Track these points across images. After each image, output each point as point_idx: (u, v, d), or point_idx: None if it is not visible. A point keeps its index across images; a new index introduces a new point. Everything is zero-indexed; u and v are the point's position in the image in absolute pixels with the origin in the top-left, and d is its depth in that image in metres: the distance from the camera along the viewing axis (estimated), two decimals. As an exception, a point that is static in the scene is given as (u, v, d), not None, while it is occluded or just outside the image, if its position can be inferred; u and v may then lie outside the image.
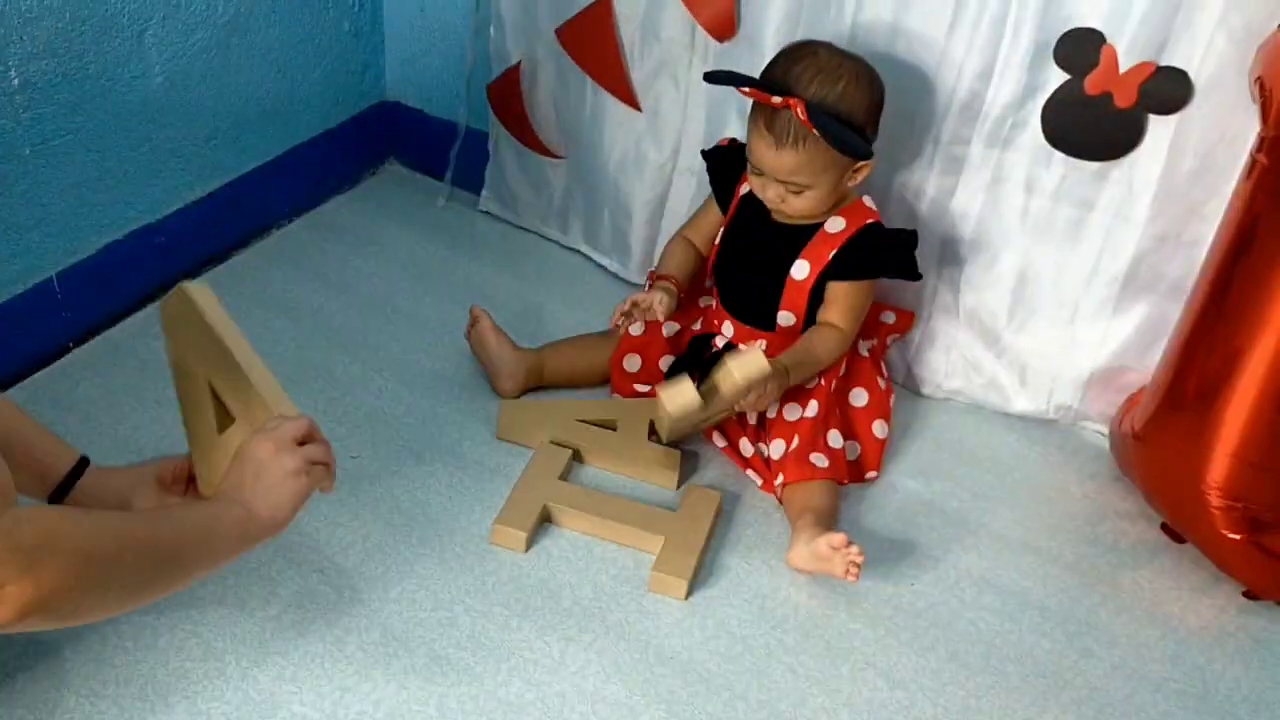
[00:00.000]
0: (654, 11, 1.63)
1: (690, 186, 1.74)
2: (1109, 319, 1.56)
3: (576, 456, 1.50)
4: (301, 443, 1.05)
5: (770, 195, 1.43)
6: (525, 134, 1.86)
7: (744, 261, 1.53)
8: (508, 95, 1.83)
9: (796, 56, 1.38)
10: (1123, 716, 1.26)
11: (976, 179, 1.54)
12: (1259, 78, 1.28)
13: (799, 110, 1.31)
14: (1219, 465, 1.34)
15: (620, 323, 1.52)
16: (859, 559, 1.28)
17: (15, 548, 0.80)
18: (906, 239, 1.49)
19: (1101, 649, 1.33)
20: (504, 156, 1.92)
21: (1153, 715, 1.27)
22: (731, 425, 1.53)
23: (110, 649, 1.19)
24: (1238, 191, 1.31)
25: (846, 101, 1.36)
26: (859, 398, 1.54)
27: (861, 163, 1.41)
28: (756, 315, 1.53)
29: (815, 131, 1.32)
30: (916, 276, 1.50)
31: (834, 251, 1.46)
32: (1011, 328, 1.62)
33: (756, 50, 1.56)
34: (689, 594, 1.33)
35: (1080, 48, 1.40)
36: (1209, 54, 1.35)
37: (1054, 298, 1.58)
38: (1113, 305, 1.54)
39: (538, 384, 1.60)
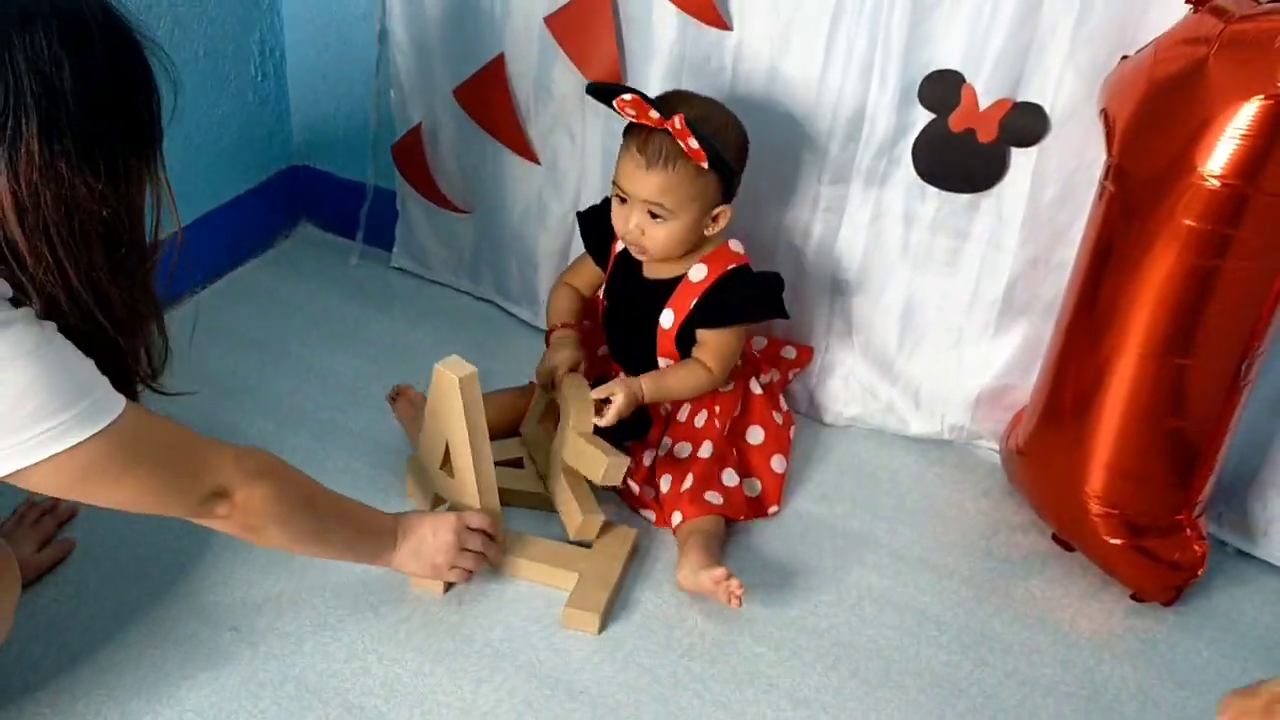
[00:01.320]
0: (545, 69, 1.69)
1: (592, 234, 1.80)
2: (991, 341, 1.63)
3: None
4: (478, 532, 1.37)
5: (631, 226, 1.44)
6: (431, 191, 1.91)
7: (622, 315, 1.59)
8: (412, 155, 1.89)
9: (679, 94, 1.45)
10: (1015, 721, 1.32)
11: (858, 216, 1.61)
12: (1104, 109, 1.37)
13: (678, 121, 1.33)
14: (1096, 475, 1.41)
15: (542, 393, 1.59)
16: (739, 591, 1.33)
17: (242, 467, 1.16)
18: (768, 281, 1.53)
19: (995, 658, 1.40)
20: (413, 214, 1.98)
21: (1044, 718, 1.32)
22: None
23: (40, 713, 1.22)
24: (1092, 216, 1.39)
25: (720, 136, 1.40)
26: (755, 435, 1.59)
27: (720, 208, 1.44)
28: (640, 363, 1.56)
29: (692, 141, 1.34)
30: (785, 315, 1.54)
31: (695, 300, 1.49)
32: (903, 354, 1.70)
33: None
34: (602, 628, 1.38)
35: (942, 88, 1.48)
36: (1060, 89, 1.44)
37: (939, 324, 1.65)
38: (993, 328, 1.62)
39: None
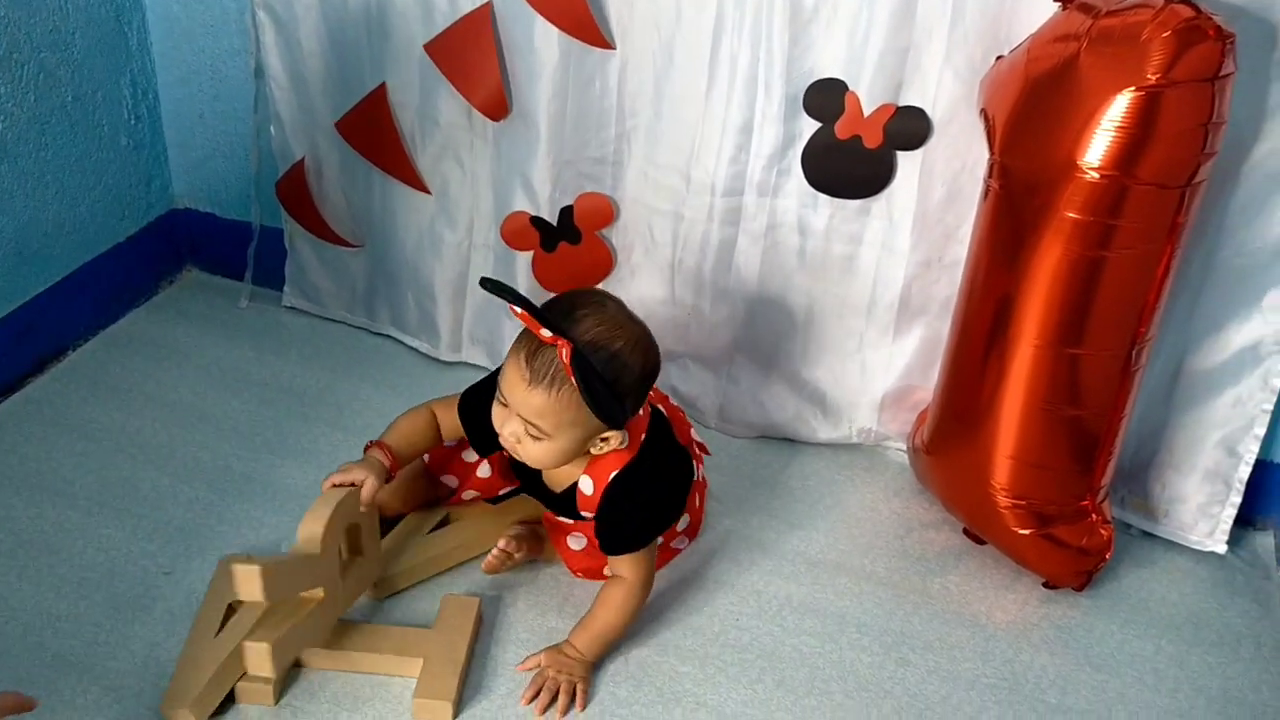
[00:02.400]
0: (429, 97, 1.67)
1: (488, 262, 1.78)
2: (891, 343, 1.65)
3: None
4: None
5: (506, 433, 1.27)
6: (319, 227, 1.87)
7: (528, 484, 1.45)
8: (296, 191, 1.85)
9: (584, 301, 1.26)
10: (940, 717, 1.33)
11: (754, 226, 1.62)
12: (983, 109, 1.40)
13: (564, 352, 1.19)
14: (1001, 468, 1.44)
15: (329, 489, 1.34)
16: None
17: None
18: (662, 489, 1.36)
19: (917, 655, 1.40)
20: (301, 251, 1.93)
21: (968, 712, 1.34)
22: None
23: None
24: (979, 214, 1.42)
25: (617, 365, 1.22)
26: None
27: (610, 433, 1.28)
28: (559, 511, 1.43)
29: (574, 379, 1.20)
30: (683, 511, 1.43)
31: (594, 515, 1.34)
32: (806, 363, 1.71)
33: (532, 126, 1.62)
34: (457, 713, 1.28)
35: (826, 97, 1.50)
36: (940, 92, 1.46)
37: (840, 329, 1.67)
38: (892, 331, 1.64)
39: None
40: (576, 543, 1.43)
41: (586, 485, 1.33)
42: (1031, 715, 1.34)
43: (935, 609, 1.47)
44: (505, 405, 1.27)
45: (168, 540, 1.49)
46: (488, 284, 1.25)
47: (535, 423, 1.24)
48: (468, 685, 1.31)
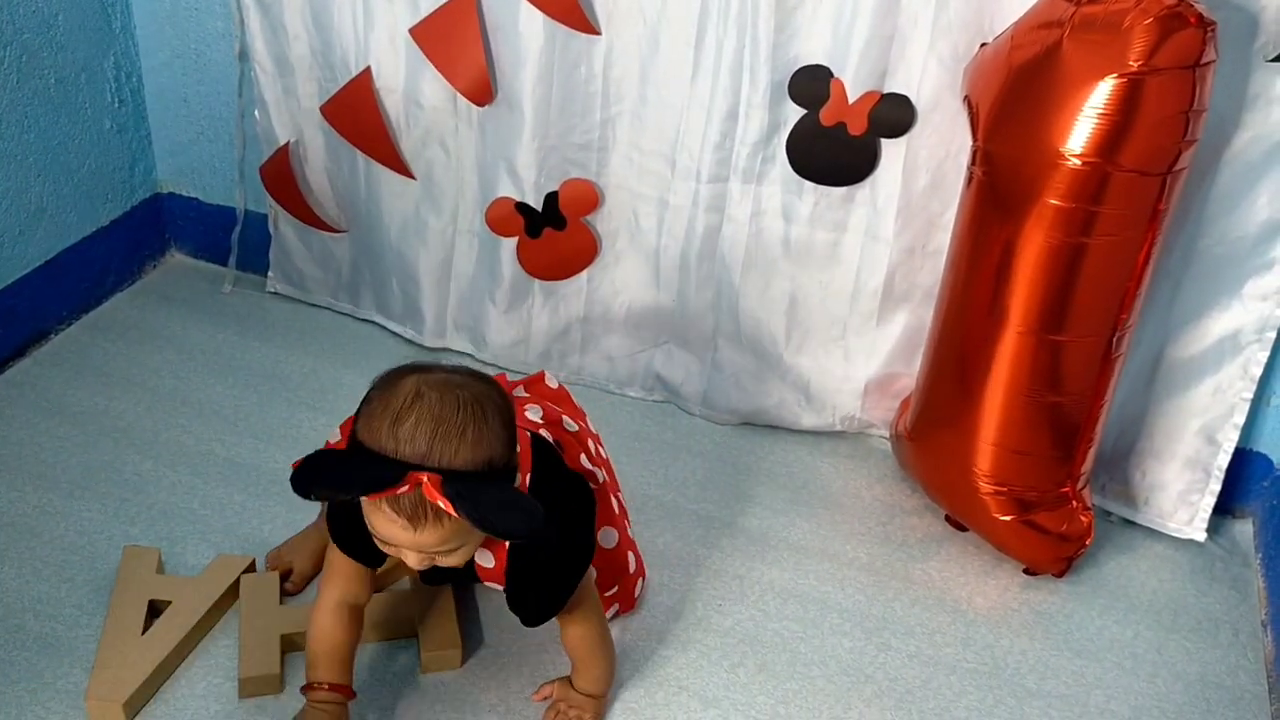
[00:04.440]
0: (414, 82, 1.66)
1: (473, 247, 1.78)
2: (875, 331, 1.66)
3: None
4: None
5: (413, 562, 1.08)
6: (303, 212, 1.87)
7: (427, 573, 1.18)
8: (281, 175, 1.84)
9: (401, 410, 1.01)
10: (921, 702, 1.33)
11: (738, 213, 1.62)
12: (967, 96, 1.40)
13: (435, 495, 0.99)
14: (983, 455, 1.44)
15: None
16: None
17: None
18: (559, 548, 1.17)
19: (898, 640, 1.41)
20: (286, 236, 1.92)
21: (949, 696, 1.34)
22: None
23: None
24: (963, 201, 1.42)
25: (482, 450, 1.03)
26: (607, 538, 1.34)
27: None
28: (463, 584, 1.36)
29: (455, 512, 0.99)
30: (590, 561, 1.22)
31: (503, 587, 1.20)
32: (790, 349, 1.71)
33: (517, 111, 1.62)
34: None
35: (811, 83, 1.50)
36: (925, 79, 1.47)
37: (824, 317, 1.67)
38: (876, 318, 1.65)
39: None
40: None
41: (485, 559, 1.17)
42: (1011, 700, 1.35)
43: (916, 595, 1.48)
44: (396, 548, 1.07)
45: (150, 524, 1.49)
46: (297, 484, 1.03)
47: (439, 549, 1.07)
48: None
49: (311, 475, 1.03)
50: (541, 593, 1.18)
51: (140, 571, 1.37)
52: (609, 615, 1.35)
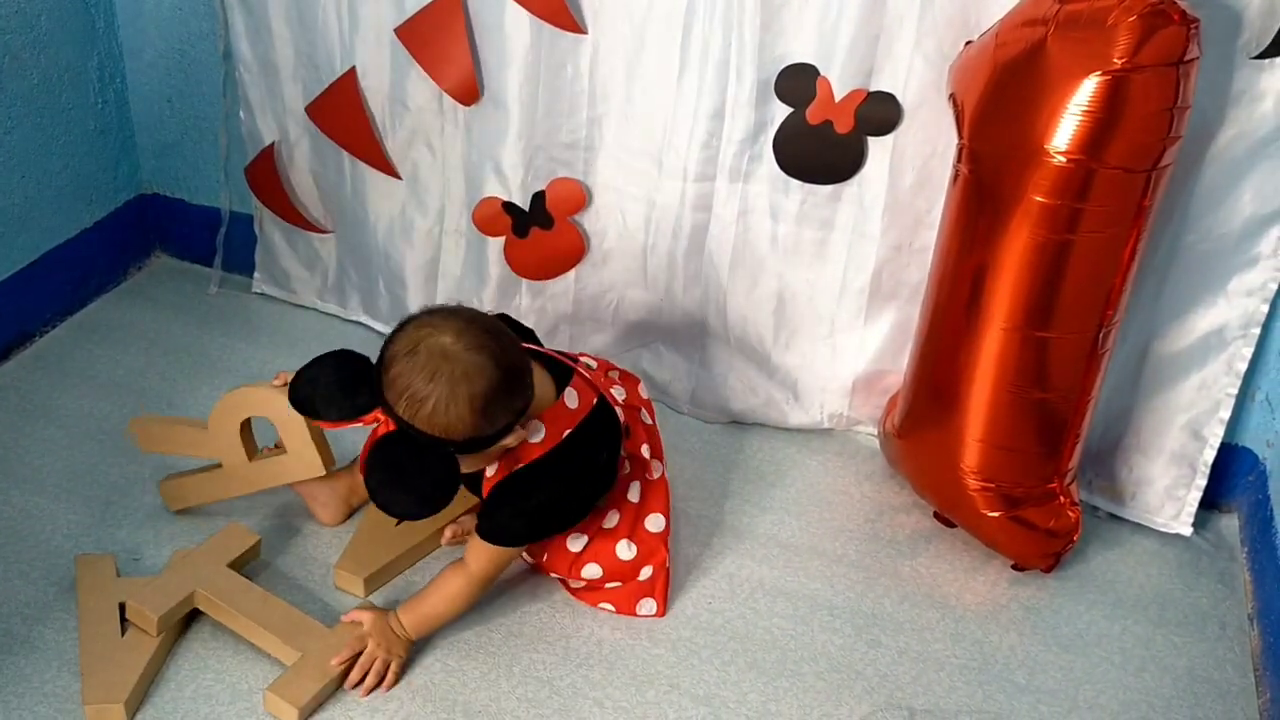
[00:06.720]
0: (400, 82, 1.66)
1: (460, 247, 1.77)
2: (862, 328, 1.66)
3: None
4: None
5: None
6: (289, 212, 1.86)
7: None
8: (266, 176, 1.83)
9: (398, 353, 1.19)
10: (911, 698, 1.34)
11: (726, 211, 1.62)
12: (953, 94, 1.40)
13: (361, 459, 1.20)
14: (970, 451, 1.45)
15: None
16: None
17: None
18: (557, 493, 1.30)
19: (888, 637, 1.41)
20: (271, 237, 1.92)
21: (938, 692, 1.35)
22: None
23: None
24: (949, 199, 1.42)
25: (439, 426, 1.17)
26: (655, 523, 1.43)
27: (505, 439, 1.23)
28: (472, 490, 1.38)
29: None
30: (577, 520, 1.36)
31: (484, 498, 1.32)
32: (778, 347, 1.71)
33: (503, 111, 1.62)
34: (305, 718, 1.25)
35: (798, 82, 1.50)
36: (910, 77, 1.47)
37: (811, 314, 1.68)
38: (863, 315, 1.65)
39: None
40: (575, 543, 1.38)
41: (490, 469, 1.30)
42: (1000, 695, 1.35)
43: (906, 591, 1.48)
44: None
45: (136, 526, 1.48)
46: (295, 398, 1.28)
47: None
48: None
49: (310, 384, 1.25)
50: (505, 517, 1.31)
51: (100, 578, 1.37)
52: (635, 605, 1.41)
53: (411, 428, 1.17)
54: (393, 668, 1.29)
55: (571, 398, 1.32)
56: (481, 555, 1.32)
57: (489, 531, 1.31)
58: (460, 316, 1.22)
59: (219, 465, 1.45)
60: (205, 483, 1.47)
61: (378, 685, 1.28)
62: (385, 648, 1.30)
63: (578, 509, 1.35)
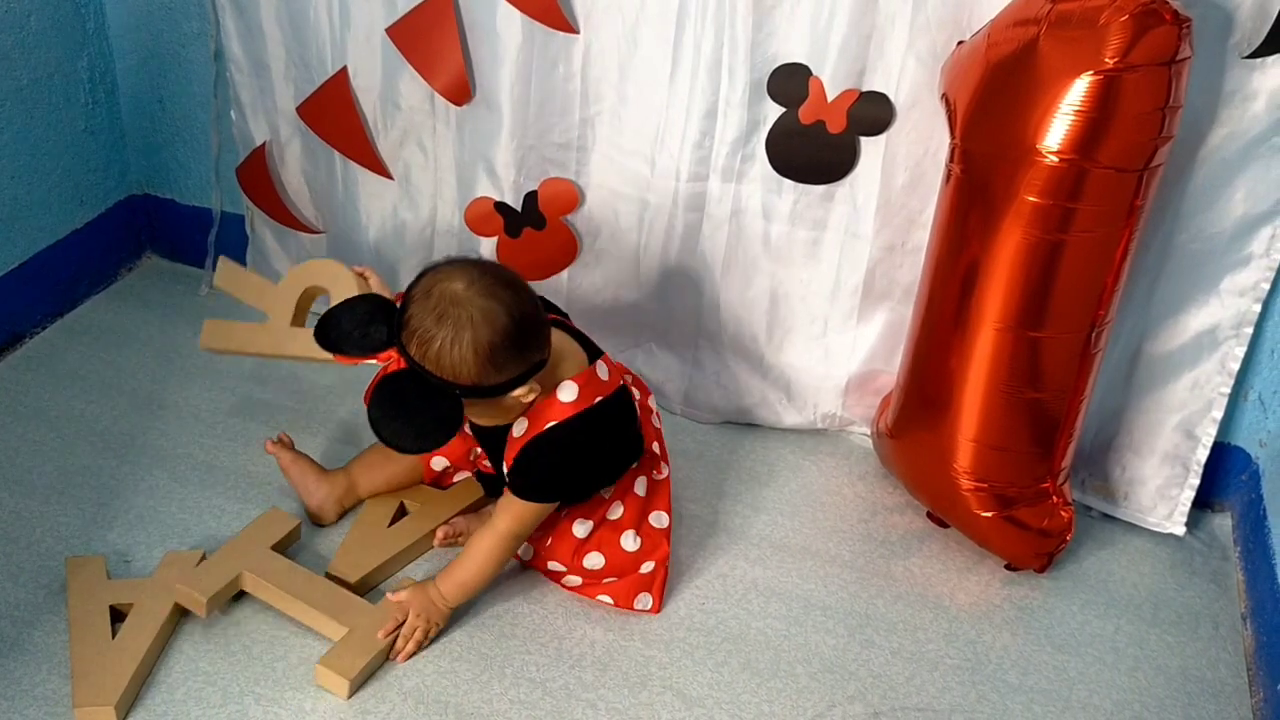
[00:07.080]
0: (391, 82, 1.66)
1: (452, 248, 1.77)
2: (855, 328, 1.66)
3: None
4: None
5: None
6: (280, 213, 1.85)
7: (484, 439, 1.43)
8: (257, 176, 1.83)
9: (415, 295, 1.23)
10: (904, 698, 1.34)
11: (718, 211, 1.62)
12: (945, 94, 1.40)
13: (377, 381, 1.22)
14: (963, 451, 1.45)
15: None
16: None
17: None
18: (586, 452, 1.33)
19: (881, 637, 1.41)
20: (263, 237, 1.91)
21: (932, 692, 1.35)
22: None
23: None
24: (941, 199, 1.42)
25: (446, 367, 1.20)
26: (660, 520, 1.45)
27: (519, 390, 1.25)
28: (494, 454, 1.42)
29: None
30: (609, 483, 1.39)
31: (514, 456, 1.32)
32: (772, 348, 1.71)
33: (495, 111, 1.62)
34: (352, 693, 1.28)
35: (790, 81, 1.50)
36: (903, 77, 1.47)
37: (804, 315, 1.67)
38: (856, 315, 1.65)
39: (355, 503, 1.53)
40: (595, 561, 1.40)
41: (519, 427, 1.32)
42: (994, 695, 1.35)
43: (899, 591, 1.48)
44: None
45: (128, 528, 1.47)
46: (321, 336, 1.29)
47: None
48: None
49: (335, 317, 1.27)
50: (536, 481, 1.32)
51: (90, 580, 1.36)
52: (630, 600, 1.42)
53: (421, 368, 1.20)
54: (416, 630, 1.33)
55: (603, 370, 1.35)
56: (511, 512, 1.34)
57: (522, 487, 1.33)
58: (479, 266, 1.25)
59: (265, 322, 1.52)
60: (245, 331, 1.53)
61: (417, 652, 1.33)
62: (425, 617, 1.34)
63: (609, 471, 1.38)
